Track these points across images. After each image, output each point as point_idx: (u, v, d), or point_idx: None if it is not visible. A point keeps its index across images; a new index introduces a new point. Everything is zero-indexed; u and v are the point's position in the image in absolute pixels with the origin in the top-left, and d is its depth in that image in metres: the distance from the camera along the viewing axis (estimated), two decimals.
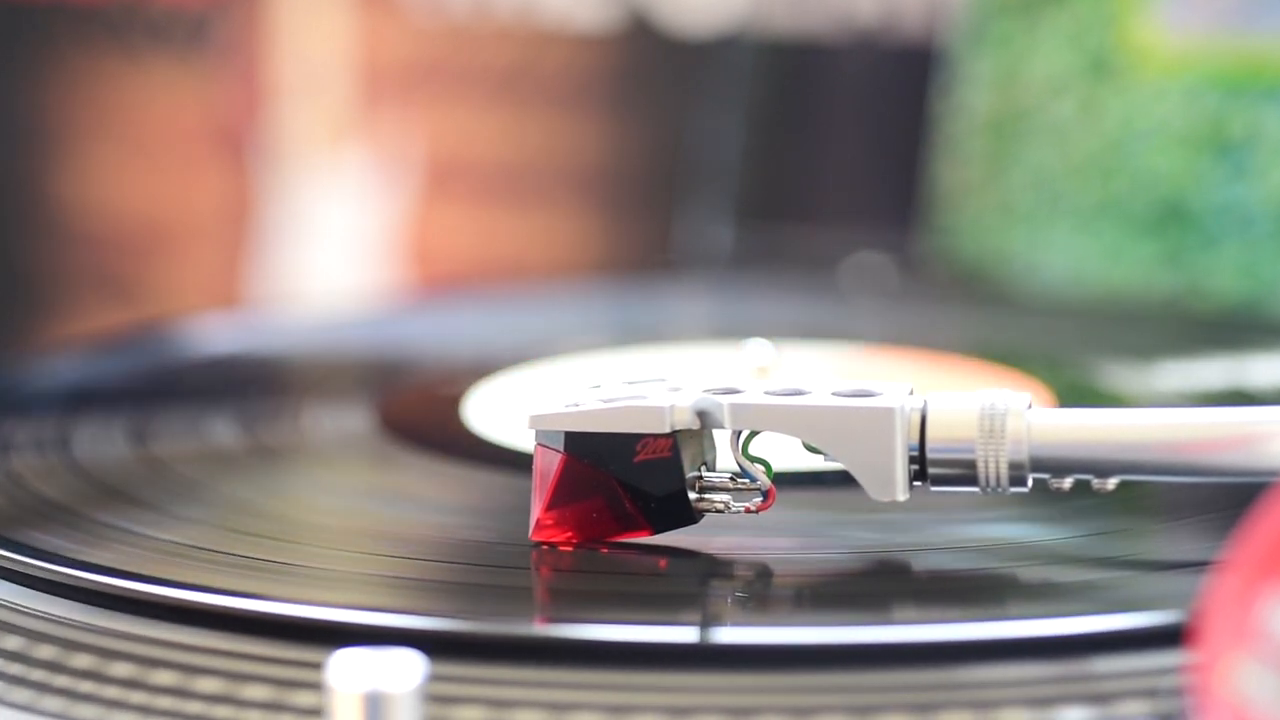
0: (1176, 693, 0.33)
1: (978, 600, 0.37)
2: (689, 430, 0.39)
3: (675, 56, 0.99)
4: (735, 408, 0.39)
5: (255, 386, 0.62)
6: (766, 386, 0.39)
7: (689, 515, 0.39)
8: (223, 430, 0.53)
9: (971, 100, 0.85)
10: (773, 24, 0.93)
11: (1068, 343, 0.68)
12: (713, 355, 0.60)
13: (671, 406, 0.39)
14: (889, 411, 0.38)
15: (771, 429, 0.39)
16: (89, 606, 0.37)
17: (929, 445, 0.38)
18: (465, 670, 0.34)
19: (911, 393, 0.39)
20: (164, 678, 0.35)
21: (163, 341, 0.70)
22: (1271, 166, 0.76)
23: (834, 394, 0.39)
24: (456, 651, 0.34)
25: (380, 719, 0.30)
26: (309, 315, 0.89)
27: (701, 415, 0.39)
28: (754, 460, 0.39)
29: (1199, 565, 0.38)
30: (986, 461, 0.38)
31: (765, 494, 0.39)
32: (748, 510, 0.39)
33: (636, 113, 1.02)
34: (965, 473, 0.38)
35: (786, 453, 0.40)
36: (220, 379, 0.63)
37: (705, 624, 0.37)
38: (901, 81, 0.90)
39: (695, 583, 0.39)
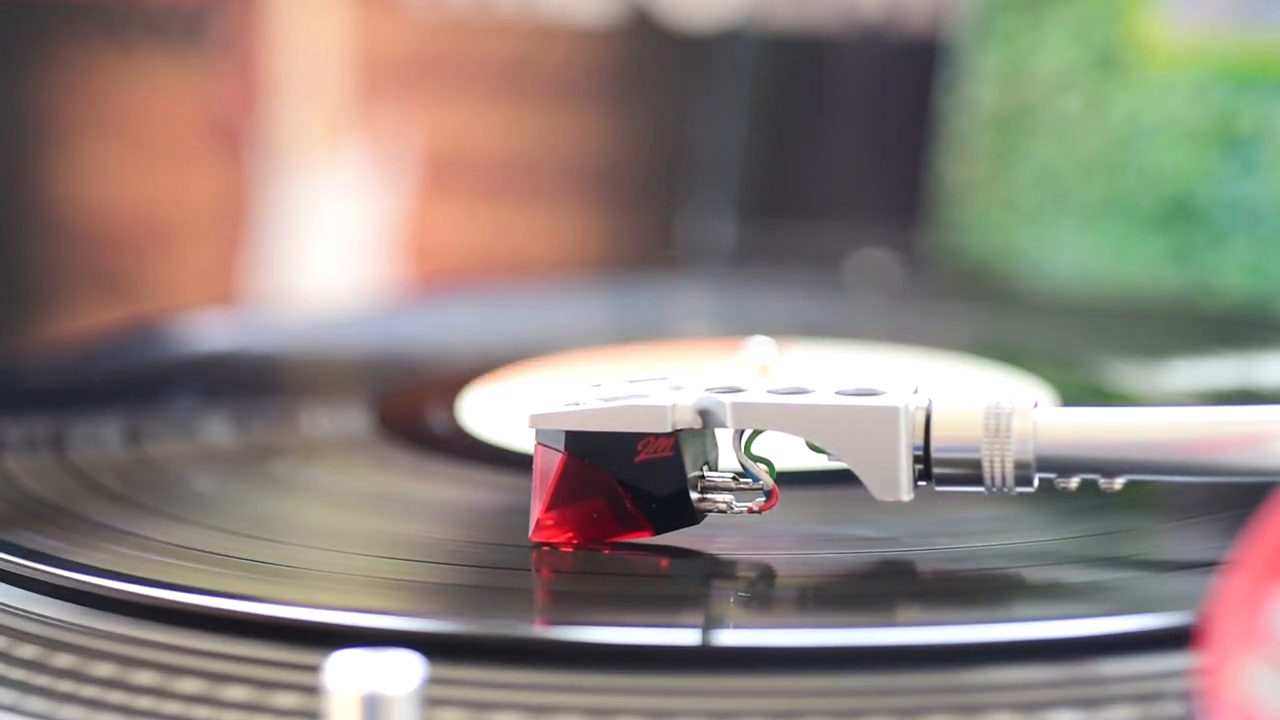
0: (1184, 696, 0.33)
1: (981, 602, 0.37)
2: (691, 429, 0.39)
3: (677, 51, 0.99)
4: (738, 406, 0.38)
5: (251, 385, 0.62)
6: (769, 385, 0.39)
7: (691, 515, 0.39)
8: (218, 429, 0.53)
9: (977, 95, 0.85)
10: (775, 18, 0.93)
11: (1074, 341, 0.68)
12: (715, 353, 0.59)
13: (673, 405, 0.38)
14: (893, 410, 0.38)
15: (774, 428, 0.39)
16: (81, 607, 0.37)
17: (933, 445, 0.38)
18: (464, 672, 0.34)
19: (916, 391, 0.38)
20: (157, 679, 0.34)
21: (158, 339, 0.70)
22: None
23: (837, 393, 0.38)
24: (455, 653, 0.34)
25: None
26: (306, 312, 0.89)
27: (703, 414, 0.39)
28: (756, 460, 0.39)
29: (1207, 566, 0.38)
30: (992, 461, 0.37)
31: (768, 494, 0.39)
32: (750, 510, 0.39)
33: (638, 108, 1.02)
34: (970, 473, 0.38)
35: (789, 452, 0.39)
36: (216, 377, 0.63)
37: (701, 626, 0.37)
38: (906, 77, 0.90)
39: (697, 584, 0.39)
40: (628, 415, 0.39)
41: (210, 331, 0.72)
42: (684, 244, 0.94)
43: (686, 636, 0.36)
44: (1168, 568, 0.39)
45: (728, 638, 0.36)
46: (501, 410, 0.53)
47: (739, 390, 0.39)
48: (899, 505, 0.38)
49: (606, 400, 0.39)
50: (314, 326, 0.76)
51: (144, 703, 0.34)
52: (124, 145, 1.10)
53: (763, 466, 0.39)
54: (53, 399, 0.58)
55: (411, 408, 0.57)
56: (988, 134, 0.85)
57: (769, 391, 0.39)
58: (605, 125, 1.02)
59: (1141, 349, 0.65)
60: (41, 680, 0.35)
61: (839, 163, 0.93)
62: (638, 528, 0.39)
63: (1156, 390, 0.58)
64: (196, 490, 0.47)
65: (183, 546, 0.41)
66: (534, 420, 0.39)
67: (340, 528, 0.44)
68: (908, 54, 0.90)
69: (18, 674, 0.35)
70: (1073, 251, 0.81)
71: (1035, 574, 0.38)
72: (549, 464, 0.39)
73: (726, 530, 0.40)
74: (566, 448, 0.39)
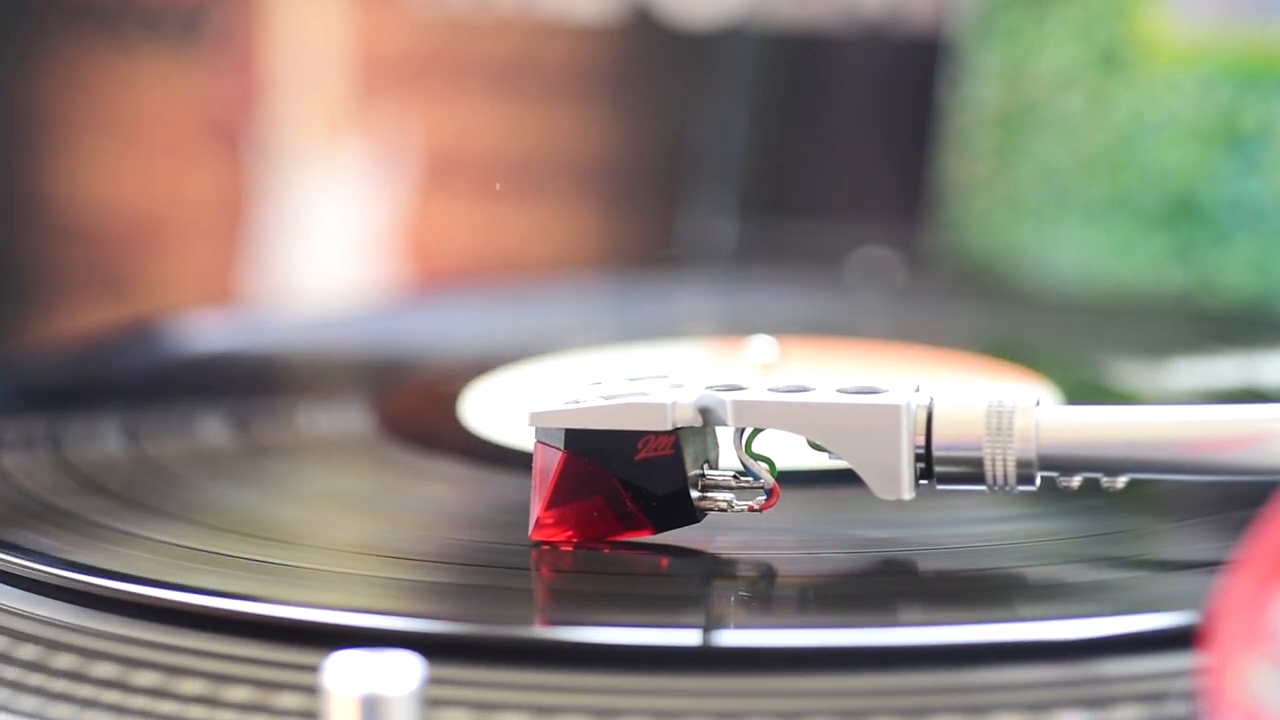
0: (1188, 696, 0.32)
1: (984, 602, 0.37)
2: (691, 428, 0.39)
3: (678, 48, 0.99)
4: (739, 405, 0.38)
5: (250, 384, 0.62)
6: (770, 383, 0.39)
7: (691, 514, 0.39)
8: (217, 429, 0.53)
9: (979, 93, 0.85)
10: (777, 15, 0.93)
11: (1076, 339, 0.68)
12: (716, 352, 0.59)
13: (674, 403, 0.38)
14: (895, 409, 0.38)
15: (775, 426, 0.39)
16: (79, 607, 0.37)
17: (935, 443, 0.38)
18: (463, 673, 0.34)
19: (918, 390, 0.38)
20: (154, 679, 0.34)
21: (156, 338, 0.70)
22: None
23: (839, 391, 0.38)
24: (455, 653, 0.34)
25: None
26: (305, 311, 0.89)
27: (704, 412, 0.38)
28: (757, 458, 0.39)
29: (1210, 566, 0.38)
30: (994, 460, 0.37)
31: (769, 492, 0.39)
32: (751, 509, 0.39)
33: (639, 105, 1.02)
34: (972, 471, 0.38)
35: (791, 451, 0.39)
36: (214, 376, 0.62)
37: (702, 626, 0.37)
38: (908, 74, 0.90)
39: (697, 583, 0.39)
40: (628, 413, 0.38)
41: (209, 331, 0.72)
42: (685, 242, 0.94)
43: (688, 636, 0.36)
44: (1171, 567, 0.39)
45: (729, 638, 0.36)
46: (502, 409, 0.53)
47: (740, 388, 0.39)
48: (900, 504, 0.38)
49: (607, 398, 0.39)
50: (313, 325, 0.76)
51: (143, 703, 0.34)
52: (122, 143, 1.10)
53: (764, 465, 0.39)
54: (51, 398, 0.58)
55: (411, 407, 0.56)
56: (990, 132, 0.85)
57: (770, 390, 0.39)
58: (606, 123, 1.02)
59: (1144, 347, 0.64)
60: (38, 680, 0.35)
61: (841, 160, 0.93)
62: (638, 526, 0.39)
63: (1159, 389, 0.58)
64: (195, 490, 0.47)
65: (182, 546, 0.41)
66: (534, 418, 0.39)
67: (340, 528, 0.44)
68: (910, 51, 0.89)
69: (14, 674, 0.35)
70: (1075, 250, 0.81)
71: (1037, 574, 0.38)
72: (549, 462, 0.39)
73: (727, 529, 0.40)
74: (566, 446, 0.39)
